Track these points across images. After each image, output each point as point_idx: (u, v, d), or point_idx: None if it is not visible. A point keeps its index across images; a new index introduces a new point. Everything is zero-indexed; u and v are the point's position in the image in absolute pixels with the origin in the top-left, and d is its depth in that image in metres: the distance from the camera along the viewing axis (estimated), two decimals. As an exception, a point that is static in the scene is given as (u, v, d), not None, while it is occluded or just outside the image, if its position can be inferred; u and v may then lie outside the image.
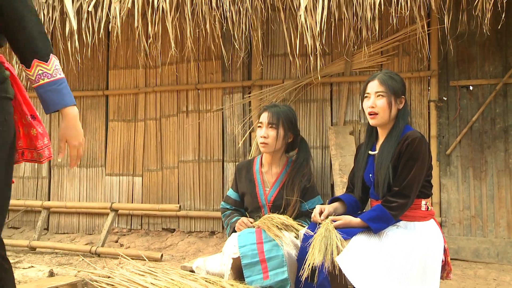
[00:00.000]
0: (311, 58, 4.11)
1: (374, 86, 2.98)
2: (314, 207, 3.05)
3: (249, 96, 4.96)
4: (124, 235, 5.38)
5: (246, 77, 5.06)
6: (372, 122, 3.00)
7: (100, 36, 4.58)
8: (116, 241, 5.26)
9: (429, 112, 4.52)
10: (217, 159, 5.12)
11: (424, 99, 4.54)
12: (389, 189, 2.88)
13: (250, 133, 4.95)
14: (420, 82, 4.56)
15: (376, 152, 3.04)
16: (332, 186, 4.61)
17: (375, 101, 2.96)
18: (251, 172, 3.62)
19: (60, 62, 4.94)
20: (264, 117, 3.53)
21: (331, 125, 4.73)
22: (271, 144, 3.51)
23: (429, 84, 4.54)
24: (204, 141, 5.18)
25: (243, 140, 4.97)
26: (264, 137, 3.50)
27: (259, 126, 3.56)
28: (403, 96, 3.01)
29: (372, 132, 3.14)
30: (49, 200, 5.69)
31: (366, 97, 3.02)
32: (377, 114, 2.95)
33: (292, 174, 3.52)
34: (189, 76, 5.23)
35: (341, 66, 4.71)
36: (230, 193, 3.72)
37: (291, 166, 3.58)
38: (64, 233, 5.62)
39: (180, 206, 4.72)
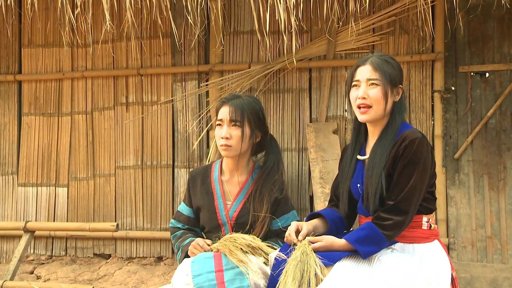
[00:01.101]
0: (285, 37, 4.11)
1: (365, 72, 2.99)
2: (288, 225, 3.08)
3: (206, 85, 4.97)
4: (43, 263, 5.33)
5: (203, 60, 5.08)
6: (361, 117, 3.01)
7: (8, 2, 4.52)
8: (32, 272, 5.21)
9: (432, 105, 4.60)
10: (165, 165, 5.13)
11: (427, 88, 4.61)
12: (382, 203, 2.92)
13: (207, 131, 4.97)
14: (422, 67, 4.63)
15: (366, 156, 3.08)
16: (311, 198, 4.66)
17: (366, 91, 2.97)
18: (209, 181, 3.63)
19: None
20: (225, 112, 3.51)
21: (310, 122, 4.78)
22: (235, 146, 3.50)
23: (433, 70, 4.60)
24: (149, 141, 5.17)
25: (198, 140, 4.98)
26: (226, 138, 3.48)
27: (219, 124, 3.54)
28: (400, 86, 3.04)
29: (360, 130, 3.16)
30: None
31: (355, 85, 3.03)
32: (369, 107, 2.96)
33: (259, 182, 3.53)
34: (130, 58, 5.21)
35: (323, 47, 4.76)
36: (182, 208, 3.73)
37: (259, 173, 3.60)
38: (-43, 263, 5.54)
39: (117, 225, 4.69)
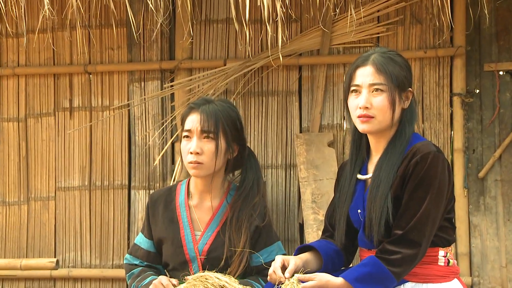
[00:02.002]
0: (269, 27, 4.13)
1: (367, 75, 3.02)
2: (272, 260, 3.09)
3: (171, 86, 4.99)
4: (-39, 312, 5.32)
5: (167, 55, 5.09)
6: (362, 127, 3.05)
7: None
8: None
9: (451, 112, 4.65)
10: (119, 185, 5.13)
11: (444, 91, 4.66)
12: (389, 233, 2.95)
13: (172, 143, 4.99)
14: (438, 65, 4.68)
15: (368, 175, 3.11)
16: (301, 226, 4.68)
17: (369, 99, 3.00)
18: (173, 207, 3.64)
19: None
20: (194, 121, 3.52)
21: (300, 132, 4.82)
22: (207, 164, 3.51)
23: (451, 69, 4.65)
24: (99, 156, 5.17)
25: (161, 155, 4.99)
26: (196, 153, 3.49)
27: (186, 136, 3.55)
28: (409, 89, 3.08)
29: (361, 143, 3.20)
30: None
31: (355, 90, 3.07)
32: (372, 117, 3.01)
33: (236, 206, 3.55)
34: (75, 52, 5.22)
35: (316, 40, 4.81)
36: (140, 240, 3.74)
37: (235, 195, 3.62)
38: None
39: (57, 261, 4.69)
